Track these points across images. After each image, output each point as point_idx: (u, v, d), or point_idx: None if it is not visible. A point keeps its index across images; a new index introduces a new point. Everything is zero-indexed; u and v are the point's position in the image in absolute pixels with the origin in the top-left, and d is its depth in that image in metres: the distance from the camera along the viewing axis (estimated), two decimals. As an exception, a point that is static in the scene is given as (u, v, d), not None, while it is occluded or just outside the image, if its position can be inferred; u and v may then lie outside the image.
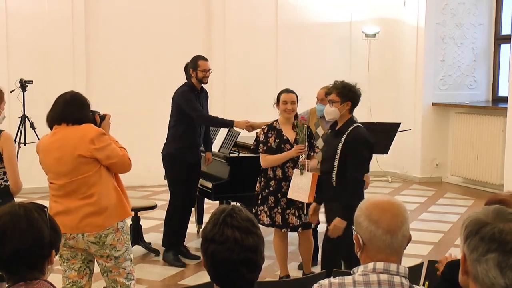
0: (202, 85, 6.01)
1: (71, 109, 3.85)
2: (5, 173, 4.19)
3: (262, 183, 5.30)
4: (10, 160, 4.16)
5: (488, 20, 10.03)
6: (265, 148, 5.24)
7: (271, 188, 5.23)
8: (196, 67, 5.88)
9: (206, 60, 5.96)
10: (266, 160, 5.25)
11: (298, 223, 5.21)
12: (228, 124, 5.91)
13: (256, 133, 5.40)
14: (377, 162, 9.12)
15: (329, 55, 10.30)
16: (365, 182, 4.92)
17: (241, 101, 9.61)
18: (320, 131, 5.66)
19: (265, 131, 5.29)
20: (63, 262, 3.94)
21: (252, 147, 5.41)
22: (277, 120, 5.34)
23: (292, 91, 5.33)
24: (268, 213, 5.22)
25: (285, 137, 5.24)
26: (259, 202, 5.29)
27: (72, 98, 3.90)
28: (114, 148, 3.88)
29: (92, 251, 3.88)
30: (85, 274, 3.96)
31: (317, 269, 5.44)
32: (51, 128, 3.90)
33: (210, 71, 5.96)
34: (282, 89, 5.42)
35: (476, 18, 9.98)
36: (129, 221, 5.86)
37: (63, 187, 3.82)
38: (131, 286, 3.97)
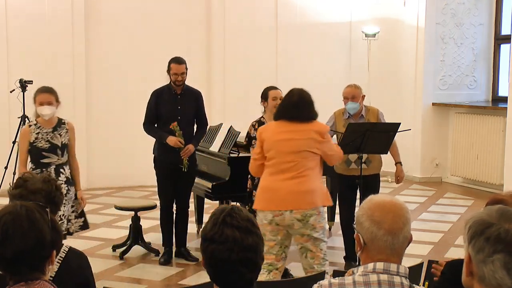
0: (188, 86, 5.97)
1: (302, 111, 4.40)
2: None
3: (255, 180, 5.38)
4: None
5: (488, 20, 10.03)
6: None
7: None
8: (169, 70, 5.90)
9: (179, 63, 5.87)
10: None
11: None
12: (162, 138, 5.87)
13: (248, 131, 5.49)
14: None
15: (329, 55, 10.30)
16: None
17: (241, 101, 9.61)
18: None
19: (256, 127, 5.42)
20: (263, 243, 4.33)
21: (244, 143, 5.57)
22: (263, 117, 5.51)
23: (278, 88, 5.59)
24: None
25: None
26: (253, 199, 5.34)
27: (298, 100, 4.41)
28: (333, 143, 4.59)
29: (295, 228, 4.33)
30: (281, 257, 4.47)
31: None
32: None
33: (185, 74, 5.87)
34: (267, 86, 5.62)
35: (476, 18, 9.98)
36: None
37: (281, 163, 4.33)
38: (325, 266, 4.43)
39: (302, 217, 4.31)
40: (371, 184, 5.57)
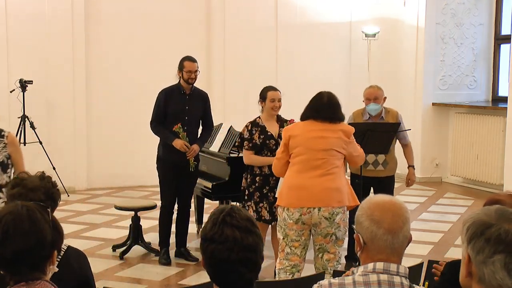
0: (196, 88, 5.99)
1: (333, 112, 4.48)
2: None
3: (248, 179, 5.41)
4: None
5: (488, 20, 10.03)
6: (250, 145, 5.36)
7: (256, 184, 5.36)
8: (181, 68, 5.88)
9: (193, 61, 5.88)
10: (250, 158, 5.38)
11: None
12: (168, 140, 5.85)
13: (241, 131, 5.48)
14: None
15: (329, 55, 10.31)
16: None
17: (241, 101, 9.61)
18: None
19: (249, 128, 5.39)
20: (287, 244, 4.44)
21: (236, 143, 5.54)
22: (259, 117, 5.45)
23: (277, 89, 5.46)
24: (254, 208, 5.35)
25: (269, 133, 5.36)
26: (246, 197, 5.42)
27: (329, 101, 4.50)
28: (357, 145, 4.60)
29: (322, 227, 4.35)
30: (303, 259, 4.49)
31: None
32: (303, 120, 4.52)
33: (198, 72, 5.90)
34: (266, 86, 5.51)
35: (476, 18, 9.98)
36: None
37: (311, 160, 4.36)
38: (338, 268, 4.42)
39: (329, 215, 4.33)
40: (386, 186, 5.58)
